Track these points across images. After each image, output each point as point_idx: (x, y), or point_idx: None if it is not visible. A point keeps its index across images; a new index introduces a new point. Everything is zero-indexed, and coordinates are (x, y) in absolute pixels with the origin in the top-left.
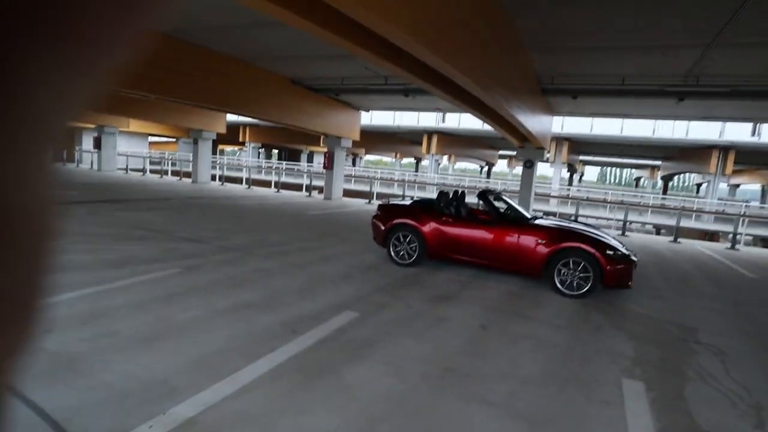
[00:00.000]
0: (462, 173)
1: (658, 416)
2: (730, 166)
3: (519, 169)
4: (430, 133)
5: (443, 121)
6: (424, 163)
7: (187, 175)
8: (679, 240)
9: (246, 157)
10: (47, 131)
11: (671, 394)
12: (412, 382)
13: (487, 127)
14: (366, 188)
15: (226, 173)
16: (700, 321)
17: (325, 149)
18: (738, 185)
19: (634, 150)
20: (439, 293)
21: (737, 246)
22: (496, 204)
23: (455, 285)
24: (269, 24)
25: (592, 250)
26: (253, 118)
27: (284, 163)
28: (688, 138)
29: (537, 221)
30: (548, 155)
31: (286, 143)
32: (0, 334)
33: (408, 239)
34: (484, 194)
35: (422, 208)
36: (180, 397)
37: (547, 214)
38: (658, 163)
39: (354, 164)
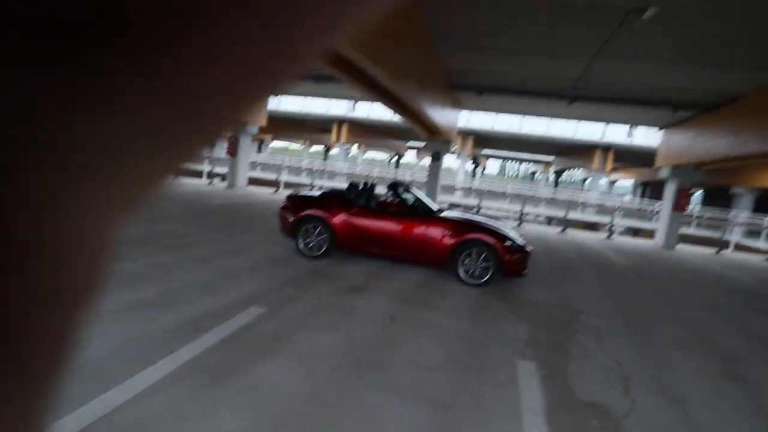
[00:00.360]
0: (371, 163)
1: (547, 392)
2: (609, 164)
3: (427, 161)
4: (340, 121)
5: (354, 109)
6: (334, 151)
7: None
8: (566, 230)
9: None
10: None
11: (557, 371)
12: (322, 376)
13: (397, 118)
14: (273, 176)
15: None
16: (582, 304)
17: (228, 134)
18: (616, 181)
19: (531, 146)
20: (348, 285)
21: (613, 236)
22: (405, 196)
23: (365, 277)
24: None
25: (493, 241)
26: None
27: None
28: (576, 138)
29: (443, 213)
30: (455, 148)
31: None
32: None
33: (317, 231)
34: (393, 186)
35: (332, 200)
36: (62, 412)
37: (452, 205)
38: (551, 158)
39: (260, 150)
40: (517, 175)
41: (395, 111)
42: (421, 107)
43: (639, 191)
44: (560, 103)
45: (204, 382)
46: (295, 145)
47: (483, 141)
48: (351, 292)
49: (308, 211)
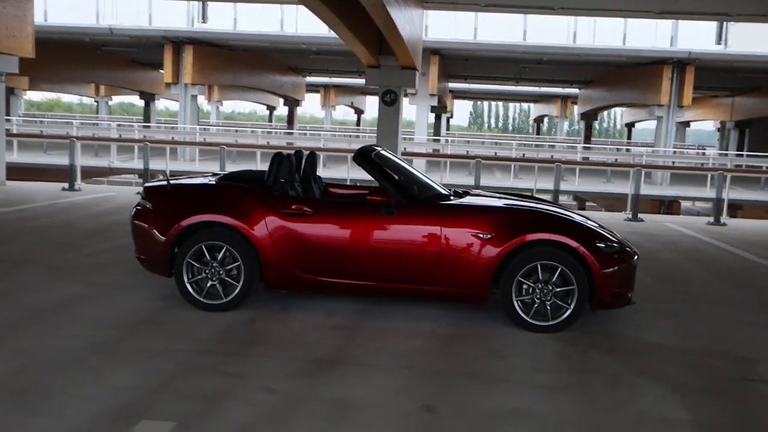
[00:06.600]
0: (234, 121)
1: None
2: (688, 93)
3: (341, 111)
4: (177, 42)
5: (203, 18)
6: (166, 104)
7: None
8: (640, 216)
9: None
10: None
11: None
12: None
13: (287, 31)
14: (54, 159)
15: None
16: (746, 344)
17: None
18: (688, 124)
19: (543, 71)
20: (314, 355)
21: (722, 218)
22: (388, 171)
23: (336, 335)
24: None
25: (575, 244)
26: None
27: None
28: (627, 47)
29: (467, 199)
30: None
31: None
32: None
33: (222, 256)
34: (367, 154)
35: (244, 190)
36: None
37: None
38: (574, 91)
39: (7, 111)
40: (502, 125)
41: (319, 13)
42: None
43: (731, 138)
44: None
45: None
46: (73, 97)
47: (452, 66)
48: (327, 369)
49: (200, 217)
